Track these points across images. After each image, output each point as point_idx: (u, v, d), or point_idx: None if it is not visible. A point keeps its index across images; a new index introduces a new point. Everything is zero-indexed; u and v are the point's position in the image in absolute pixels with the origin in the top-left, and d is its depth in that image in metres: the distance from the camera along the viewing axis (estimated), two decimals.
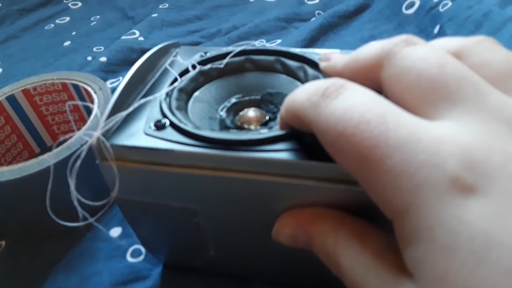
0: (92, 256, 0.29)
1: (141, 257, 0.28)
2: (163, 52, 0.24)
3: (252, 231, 0.19)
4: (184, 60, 0.23)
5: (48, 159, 0.27)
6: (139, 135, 0.18)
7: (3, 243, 0.31)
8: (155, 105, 0.20)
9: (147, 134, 0.18)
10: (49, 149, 0.40)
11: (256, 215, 0.18)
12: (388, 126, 0.12)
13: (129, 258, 0.29)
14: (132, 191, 0.19)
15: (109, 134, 0.18)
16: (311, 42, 0.51)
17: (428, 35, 0.45)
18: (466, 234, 0.10)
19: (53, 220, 0.27)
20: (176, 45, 0.25)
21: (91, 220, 0.17)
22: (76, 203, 0.17)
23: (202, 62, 0.23)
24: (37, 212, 0.29)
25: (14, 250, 0.30)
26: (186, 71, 0.22)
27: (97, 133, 0.17)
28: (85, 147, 0.17)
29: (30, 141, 0.38)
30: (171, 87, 0.21)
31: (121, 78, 0.49)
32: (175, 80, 0.21)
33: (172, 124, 0.18)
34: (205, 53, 0.24)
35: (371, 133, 0.12)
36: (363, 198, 0.13)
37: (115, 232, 0.31)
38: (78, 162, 0.17)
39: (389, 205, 0.12)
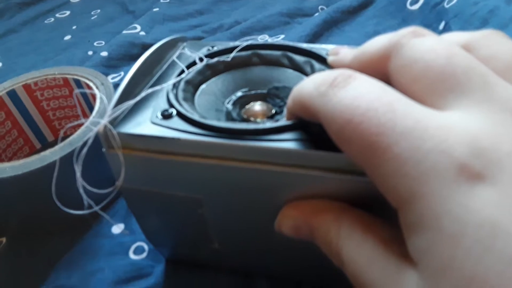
0: (94, 253, 0.29)
1: (144, 254, 0.28)
2: (170, 46, 0.24)
3: (256, 222, 0.19)
4: (191, 53, 0.23)
5: (50, 155, 0.27)
6: (145, 124, 0.18)
7: (4, 239, 0.31)
8: (162, 95, 0.20)
9: (153, 123, 0.18)
10: (50, 144, 0.39)
11: (260, 205, 0.18)
12: (395, 114, 0.12)
13: (132, 255, 0.28)
14: (138, 180, 0.19)
15: (116, 122, 0.18)
16: (315, 37, 0.50)
17: (433, 31, 0.45)
18: (472, 223, 0.10)
19: (54, 217, 0.26)
20: (183, 39, 0.25)
21: (96, 208, 0.17)
22: (81, 191, 0.17)
23: (209, 56, 0.23)
24: (38, 208, 0.29)
25: (16, 247, 0.30)
26: (193, 64, 0.22)
27: (104, 121, 0.17)
28: (92, 135, 0.17)
29: (31, 137, 0.38)
30: (178, 78, 0.21)
31: (122, 73, 0.48)
32: (182, 72, 0.21)
33: (179, 114, 0.18)
34: (212, 47, 0.24)
35: (378, 121, 0.12)
36: (368, 189, 0.13)
37: (118, 228, 0.31)
38: (85, 150, 0.17)
39: (394, 193, 0.12)
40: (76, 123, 0.21)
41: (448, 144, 0.11)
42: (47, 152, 0.27)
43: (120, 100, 0.19)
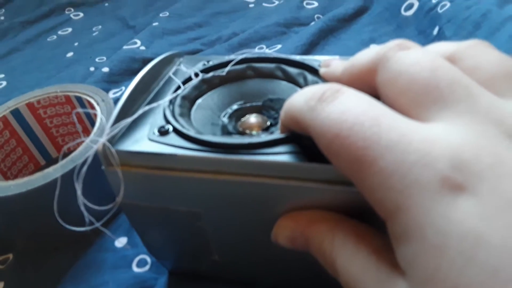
0: (98, 267, 0.29)
1: (147, 267, 0.29)
2: (167, 62, 0.25)
3: (253, 234, 0.20)
4: (187, 68, 0.24)
5: (53, 172, 0.27)
6: (143, 141, 0.19)
7: (11, 256, 0.31)
8: (158, 112, 0.20)
9: (151, 140, 0.19)
10: (55, 160, 0.40)
11: (257, 217, 0.19)
12: (380, 127, 0.12)
13: (135, 268, 0.29)
14: (137, 196, 0.20)
15: (114, 140, 0.19)
16: (311, 46, 0.51)
17: (427, 37, 0.45)
18: (455, 234, 0.11)
19: (59, 232, 0.27)
20: (179, 55, 0.26)
21: (97, 224, 0.18)
22: (82, 208, 0.17)
23: (205, 71, 0.23)
24: (43, 224, 0.29)
25: (22, 263, 0.31)
26: (189, 79, 0.23)
27: (102, 140, 0.18)
28: (91, 153, 0.18)
29: (35, 154, 0.38)
30: (175, 94, 0.21)
31: (123, 88, 0.49)
32: (178, 88, 0.22)
33: (175, 130, 0.19)
34: (208, 61, 0.24)
35: (364, 135, 0.12)
36: (360, 199, 0.14)
37: (121, 242, 0.31)
38: (85, 168, 0.18)
39: (381, 205, 0.12)
40: (76, 142, 0.21)
41: (431, 157, 0.11)
42: (50, 169, 0.27)
43: (118, 118, 0.19)
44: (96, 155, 0.18)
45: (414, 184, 0.11)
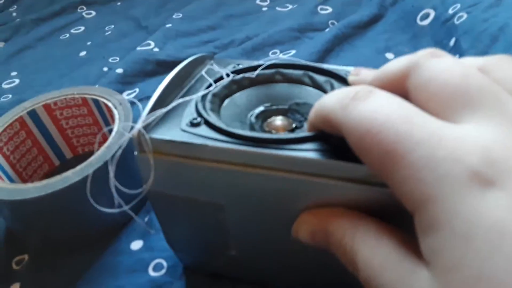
0: (114, 271, 0.29)
1: (163, 271, 0.29)
2: (199, 62, 0.26)
3: (274, 229, 0.20)
4: (219, 69, 0.24)
5: (72, 176, 0.27)
6: (176, 130, 0.20)
7: (26, 256, 0.31)
8: (191, 105, 0.21)
9: (183, 130, 0.19)
10: (69, 161, 0.40)
11: (279, 212, 0.19)
12: (412, 125, 0.13)
13: (151, 272, 0.29)
14: (165, 184, 0.20)
15: (149, 128, 0.20)
16: (326, 53, 0.51)
17: (443, 48, 0.45)
18: (482, 224, 0.11)
19: (75, 235, 0.27)
20: (211, 57, 0.27)
21: (125, 207, 0.19)
22: (113, 190, 0.18)
23: (235, 72, 0.24)
24: (60, 227, 0.29)
25: (37, 264, 0.31)
26: (220, 79, 0.23)
27: (138, 126, 0.19)
28: (126, 139, 0.19)
29: (50, 154, 0.38)
30: (207, 91, 0.22)
31: (137, 89, 0.49)
32: (210, 85, 0.23)
33: (206, 122, 0.20)
34: (238, 64, 0.25)
35: (396, 131, 0.13)
36: (384, 199, 0.14)
37: (136, 245, 0.31)
38: (119, 152, 0.19)
39: (410, 196, 0.13)
40: (106, 129, 0.22)
41: (461, 153, 0.12)
42: (69, 173, 0.28)
43: (154, 108, 0.20)
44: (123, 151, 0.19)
45: (444, 177, 0.12)
